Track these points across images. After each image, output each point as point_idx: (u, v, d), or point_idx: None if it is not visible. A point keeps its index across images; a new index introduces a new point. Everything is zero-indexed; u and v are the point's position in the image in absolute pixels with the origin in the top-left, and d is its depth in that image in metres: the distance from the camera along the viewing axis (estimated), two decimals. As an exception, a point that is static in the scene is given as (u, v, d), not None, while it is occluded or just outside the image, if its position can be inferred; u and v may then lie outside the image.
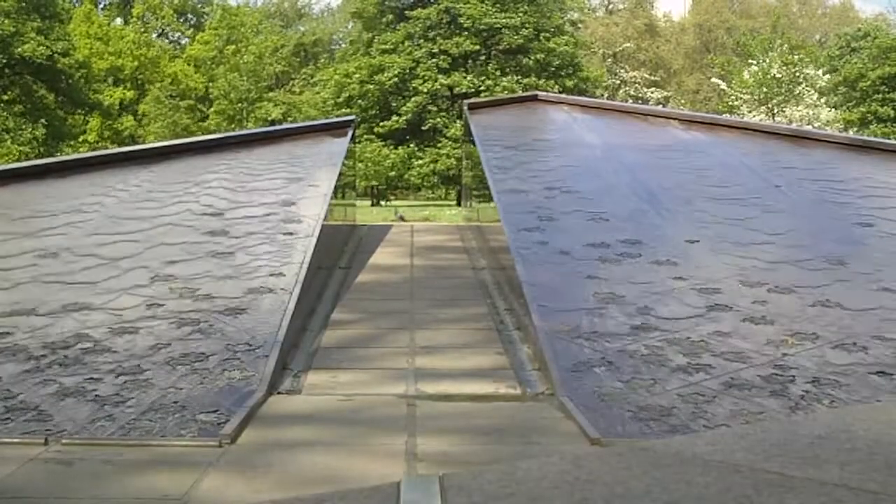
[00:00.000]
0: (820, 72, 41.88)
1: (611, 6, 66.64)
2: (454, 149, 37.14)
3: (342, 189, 12.30)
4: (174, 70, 53.40)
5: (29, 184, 11.04)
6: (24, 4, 39.45)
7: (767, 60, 41.23)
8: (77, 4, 52.88)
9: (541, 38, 40.94)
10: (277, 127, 23.99)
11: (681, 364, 5.93)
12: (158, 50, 56.05)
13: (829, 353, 6.09)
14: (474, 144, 12.64)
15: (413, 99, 39.87)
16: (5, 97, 40.74)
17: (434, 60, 40.21)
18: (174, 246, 8.38)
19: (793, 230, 8.84)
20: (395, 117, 40.21)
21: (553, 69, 41.28)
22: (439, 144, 39.61)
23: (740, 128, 14.57)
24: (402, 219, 18.77)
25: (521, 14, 40.40)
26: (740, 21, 62.84)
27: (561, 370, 5.88)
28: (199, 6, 62.23)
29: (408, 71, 40.20)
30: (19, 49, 38.74)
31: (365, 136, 39.16)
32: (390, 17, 42.69)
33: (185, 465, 4.46)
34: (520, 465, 2.28)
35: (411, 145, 40.26)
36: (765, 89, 40.89)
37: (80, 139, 46.25)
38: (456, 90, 39.77)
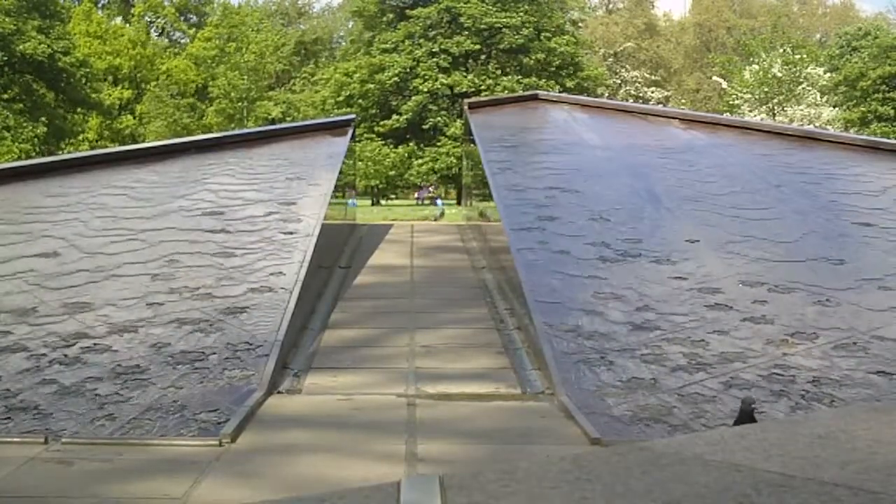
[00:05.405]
0: (821, 70, 41.83)
1: (611, 5, 66.60)
2: (454, 148, 37.12)
3: (342, 188, 12.30)
4: (170, 66, 53.31)
5: (29, 183, 11.03)
6: (24, 3, 39.43)
7: (768, 60, 41.19)
8: (76, 3, 52.83)
9: (541, 37, 40.94)
10: (277, 126, 23.97)
11: (681, 364, 5.93)
12: (154, 47, 55.96)
13: (829, 353, 6.09)
14: (475, 144, 12.64)
15: (413, 98, 39.85)
16: (6, 96, 40.71)
17: (434, 60, 40.19)
18: (174, 245, 8.38)
19: (793, 230, 8.83)
20: (395, 116, 40.20)
21: (553, 69, 41.28)
22: (439, 143, 39.58)
23: (741, 127, 14.56)
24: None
25: (521, 14, 40.40)
26: (741, 20, 62.82)
27: (561, 370, 5.89)
28: (201, 5, 62.19)
29: (408, 70, 40.20)
30: (20, 47, 38.73)
31: (365, 136, 39.14)
32: (391, 16, 42.69)
33: (184, 464, 4.47)
34: (520, 465, 2.28)
35: (411, 144, 40.24)
36: (766, 88, 40.85)
37: (81, 137, 46.23)
38: (456, 89, 39.74)
